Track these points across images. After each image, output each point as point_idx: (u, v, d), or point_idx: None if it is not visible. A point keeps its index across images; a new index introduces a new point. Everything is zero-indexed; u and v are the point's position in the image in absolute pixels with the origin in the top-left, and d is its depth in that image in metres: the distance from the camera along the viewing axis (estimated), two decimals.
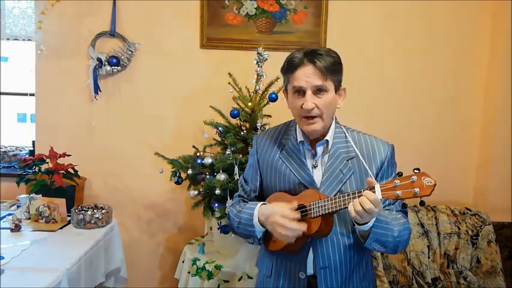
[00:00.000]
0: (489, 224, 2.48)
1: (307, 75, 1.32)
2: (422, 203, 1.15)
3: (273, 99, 2.22)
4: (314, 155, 1.42)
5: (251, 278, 2.08)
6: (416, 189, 1.13)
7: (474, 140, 2.72)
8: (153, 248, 2.77)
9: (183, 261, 2.38)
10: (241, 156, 2.13)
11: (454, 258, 2.43)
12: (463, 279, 2.38)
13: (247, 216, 1.41)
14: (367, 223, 1.25)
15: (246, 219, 1.41)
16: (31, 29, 2.71)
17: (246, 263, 2.16)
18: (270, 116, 2.38)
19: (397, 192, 1.15)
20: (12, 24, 2.72)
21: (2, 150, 2.90)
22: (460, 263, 2.42)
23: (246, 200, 1.53)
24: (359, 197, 1.20)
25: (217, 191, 2.07)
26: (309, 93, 1.32)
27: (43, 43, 2.49)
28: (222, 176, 2.09)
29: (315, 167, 1.41)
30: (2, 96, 2.90)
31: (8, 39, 2.74)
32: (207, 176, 2.17)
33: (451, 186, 2.69)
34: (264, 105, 2.28)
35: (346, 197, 1.23)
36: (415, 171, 1.15)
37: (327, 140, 1.41)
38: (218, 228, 2.22)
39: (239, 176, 2.06)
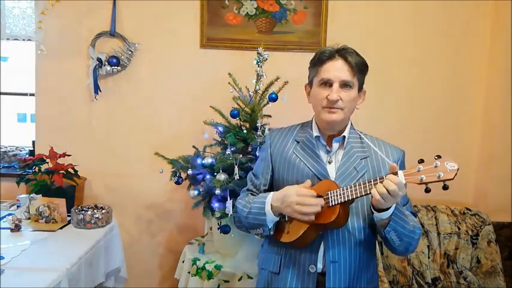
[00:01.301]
0: (489, 224, 2.48)
1: (336, 69, 1.37)
2: (445, 187, 1.14)
3: (273, 99, 2.21)
4: (329, 152, 1.44)
5: (251, 278, 2.08)
6: (441, 173, 1.13)
7: (474, 140, 2.71)
8: (153, 248, 2.77)
9: (183, 261, 2.38)
10: (241, 156, 2.13)
11: (454, 258, 2.43)
12: (463, 279, 2.38)
13: (259, 205, 1.40)
14: (386, 210, 1.26)
15: (257, 208, 1.40)
16: (31, 29, 2.71)
17: (246, 263, 2.16)
18: (270, 116, 2.38)
19: (421, 176, 1.16)
20: (12, 24, 2.72)
21: (2, 150, 2.90)
22: (460, 263, 2.42)
23: (255, 193, 1.54)
24: (381, 182, 1.20)
25: (217, 191, 2.07)
26: (335, 85, 1.36)
27: (43, 43, 2.49)
28: (222, 176, 2.09)
29: (329, 162, 1.43)
30: (2, 96, 2.90)
31: (8, 39, 2.74)
32: (207, 176, 2.17)
33: (451, 186, 2.67)
34: (264, 105, 2.28)
35: (368, 184, 1.23)
36: (436, 157, 1.16)
37: (344, 136, 1.43)
38: (218, 228, 2.21)
39: (239, 176, 2.07)
